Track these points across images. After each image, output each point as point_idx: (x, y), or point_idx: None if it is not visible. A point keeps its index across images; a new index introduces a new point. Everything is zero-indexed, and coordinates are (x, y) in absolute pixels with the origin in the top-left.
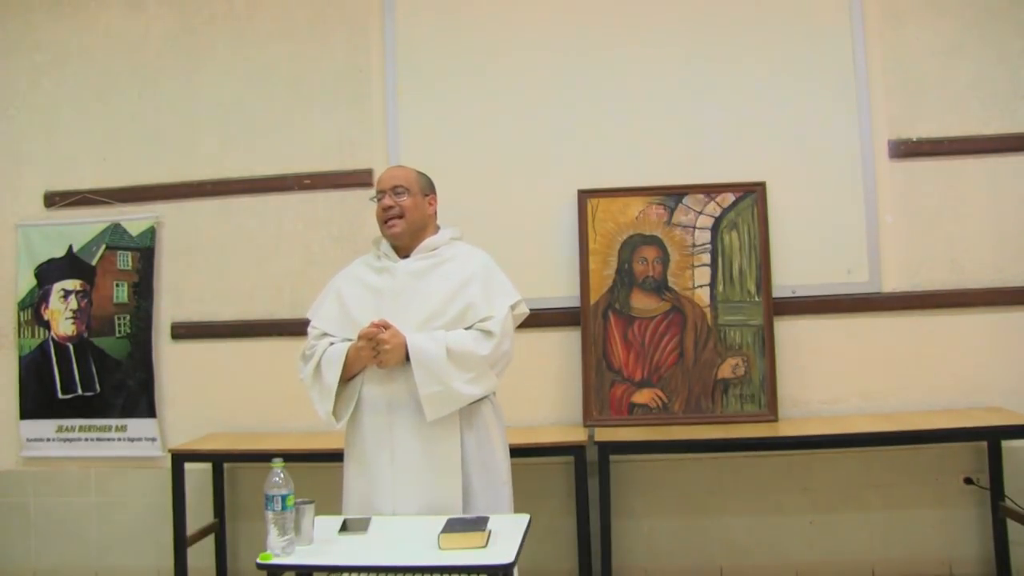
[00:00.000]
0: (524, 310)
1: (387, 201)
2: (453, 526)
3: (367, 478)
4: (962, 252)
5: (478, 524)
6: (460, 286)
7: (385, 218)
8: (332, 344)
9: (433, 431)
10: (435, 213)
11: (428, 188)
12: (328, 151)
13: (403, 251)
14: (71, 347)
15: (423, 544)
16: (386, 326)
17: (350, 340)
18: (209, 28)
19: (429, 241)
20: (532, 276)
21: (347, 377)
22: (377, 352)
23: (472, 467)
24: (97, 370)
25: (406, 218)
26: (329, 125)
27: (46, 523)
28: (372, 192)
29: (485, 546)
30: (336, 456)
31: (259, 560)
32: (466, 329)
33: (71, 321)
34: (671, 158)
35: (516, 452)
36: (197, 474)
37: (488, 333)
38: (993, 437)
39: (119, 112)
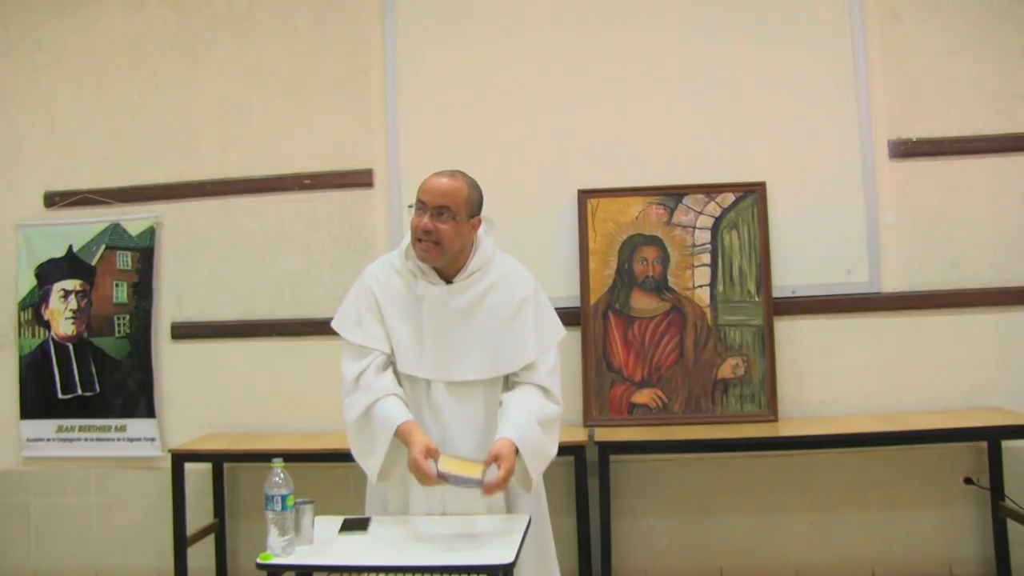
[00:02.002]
0: (557, 353)
1: (427, 223)
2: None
3: (412, 485)
4: (962, 252)
5: (475, 459)
6: (509, 319)
7: (419, 238)
8: (391, 396)
9: (484, 445)
10: (477, 232)
11: (476, 207)
12: (328, 151)
13: (441, 271)
14: (71, 347)
15: (423, 544)
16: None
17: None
18: (209, 28)
19: (473, 264)
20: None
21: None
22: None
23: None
24: (97, 370)
25: (442, 246)
26: (329, 125)
27: (46, 523)
28: (372, 192)
29: (482, 478)
30: (336, 456)
31: (259, 560)
32: (524, 382)
33: (71, 321)
34: (671, 158)
35: None
36: (197, 474)
37: (547, 391)
38: (993, 437)
39: (119, 112)
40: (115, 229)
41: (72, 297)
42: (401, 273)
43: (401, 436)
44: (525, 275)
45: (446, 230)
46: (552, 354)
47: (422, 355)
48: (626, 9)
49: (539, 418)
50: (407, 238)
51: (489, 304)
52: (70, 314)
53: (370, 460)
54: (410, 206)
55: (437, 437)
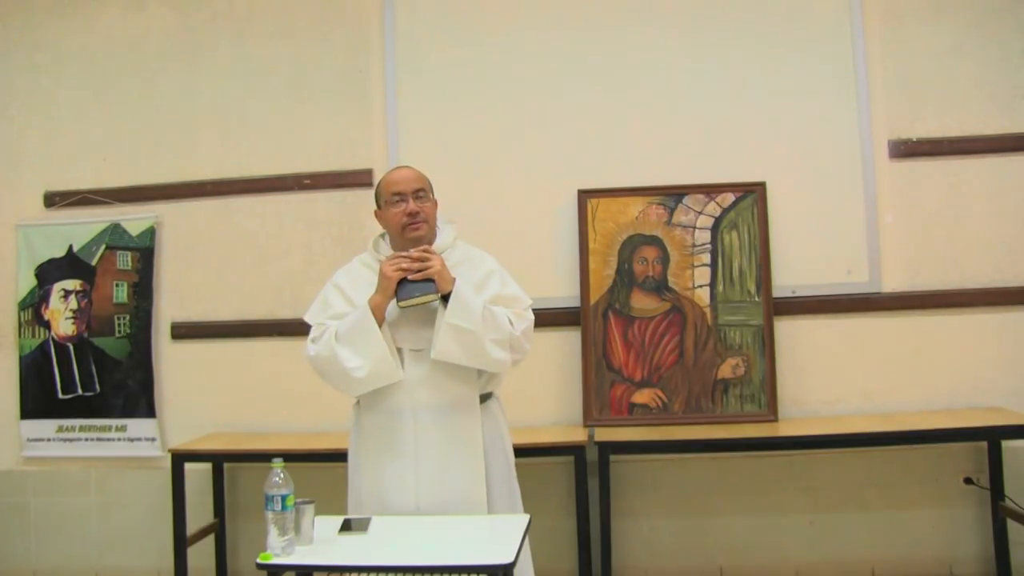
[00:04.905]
0: (532, 316)
1: (412, 207)
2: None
3: (386, 477)
4: (962, 252)
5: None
6: (476, 288)
7: (411, 222)
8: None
9: (457, 430)
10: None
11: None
12: (328, 151)
13: None
14: (71, 347)
15: (423, 544)
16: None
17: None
18: (209, 28)
19: (438, 244)
20: (532, 276)
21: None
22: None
23: (491, 463)
24: (97, 370)
25: (429, 222)
26: (329, 125)
27: (46, 523)
28: (372, 191)
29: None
30: (336, 456)
31: (259, 560)
32: None
33: (71, 321)
34: (671, 158)
35: (516, 452)
36: (197, 474)
37: (518, 316)
38: (993, 437)
39: (119, 112)
40: (115, 229)
41: (72, 297)
42: (370, 266)
43: (372, 307)
44: (489, 258)
45: (429, 208)
46: (527, 308)
47: (390, 322)
48: (626, 9)
49: (490, 307)
50: (373, 238)
51: (457, 274)
52: (70, 314)
53: (375, 344)
54: (388, 200)
55: (409, 406)
